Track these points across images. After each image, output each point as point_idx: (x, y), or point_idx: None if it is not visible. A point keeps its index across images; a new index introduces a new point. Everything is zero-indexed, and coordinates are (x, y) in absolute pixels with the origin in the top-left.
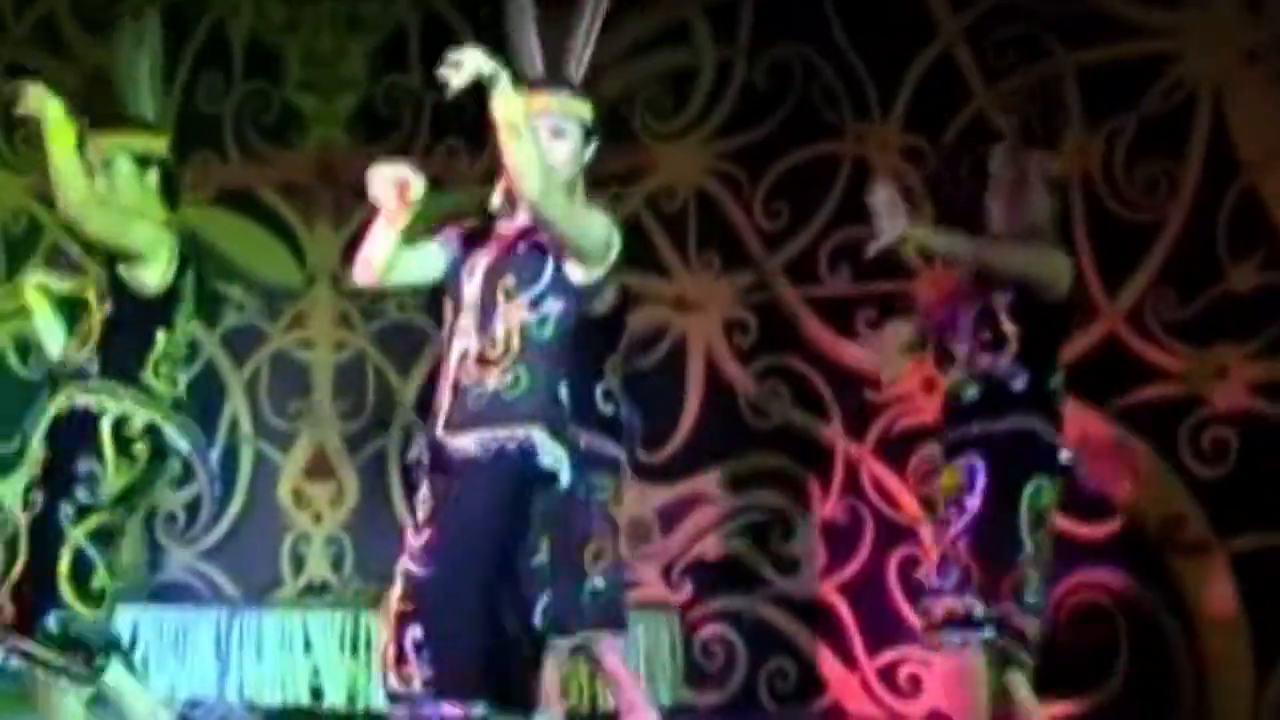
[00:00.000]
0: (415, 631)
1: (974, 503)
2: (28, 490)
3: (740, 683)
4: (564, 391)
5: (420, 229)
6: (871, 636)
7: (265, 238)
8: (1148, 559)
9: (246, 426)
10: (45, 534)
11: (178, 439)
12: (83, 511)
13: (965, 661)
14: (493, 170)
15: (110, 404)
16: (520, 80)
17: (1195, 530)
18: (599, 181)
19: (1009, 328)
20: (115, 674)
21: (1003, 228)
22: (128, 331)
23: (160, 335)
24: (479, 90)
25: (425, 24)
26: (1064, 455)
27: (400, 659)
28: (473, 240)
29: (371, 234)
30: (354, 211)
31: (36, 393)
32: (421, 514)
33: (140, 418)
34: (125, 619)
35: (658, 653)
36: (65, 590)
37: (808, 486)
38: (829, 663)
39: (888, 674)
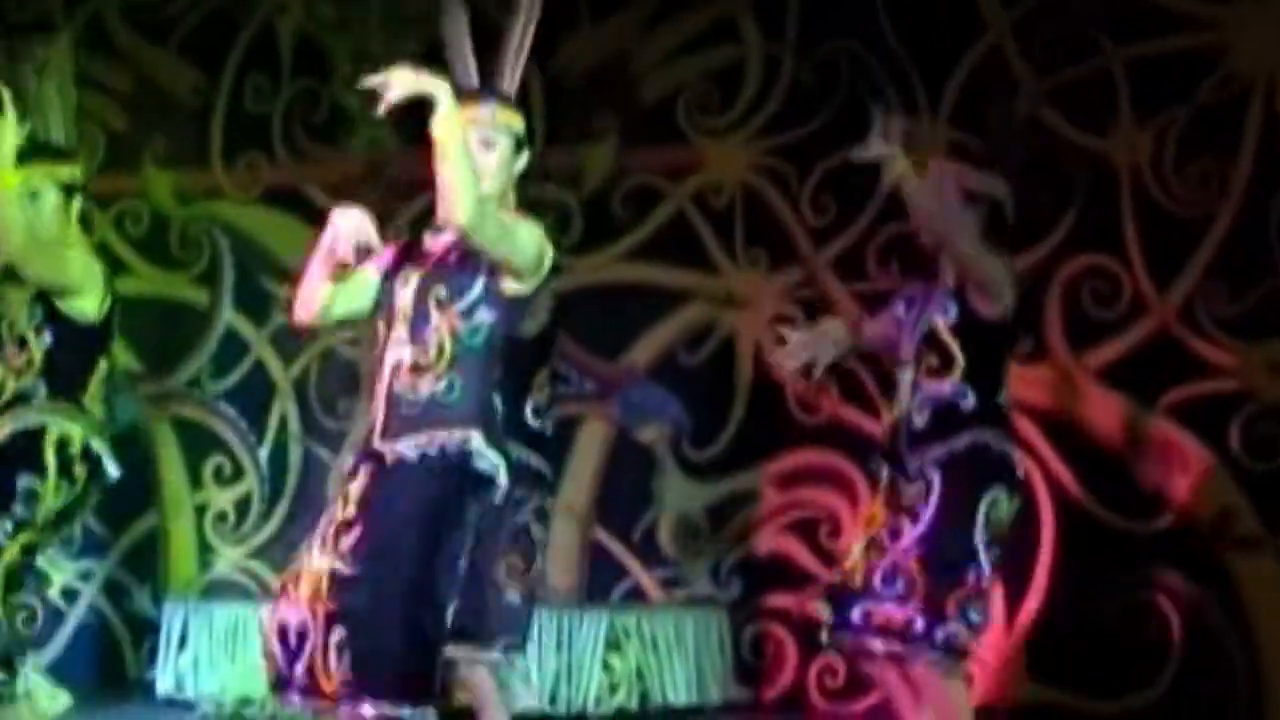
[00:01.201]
0: (339, 632)
1: (929, 514)
2: None
3: (790, 680)
4: (498, 401)
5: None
6: None
7: (313, 237)
8: (1200, 555)
9: (295, 425)
10: None
11: (110, 464)
12: (19, 527)
13: (938, 680)
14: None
15: (53, 422)
16: (455, 91)
17: (1247, 525)
18: (647, 179)
19: (955, 349)
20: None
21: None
22: (70, 358)
23: (101, 362)
24: (524, 90)
25: (473, 23)
26: (1019, 469)
27: (325, 658)
28: (406, 254)
29: (309, 274)
30: (401, 211)
31: None
32: (350, 511)
33: (80, 438)
34: (176, 617)
35: (707, 650)
36: None
37: (856, 483)
38: None
39: None
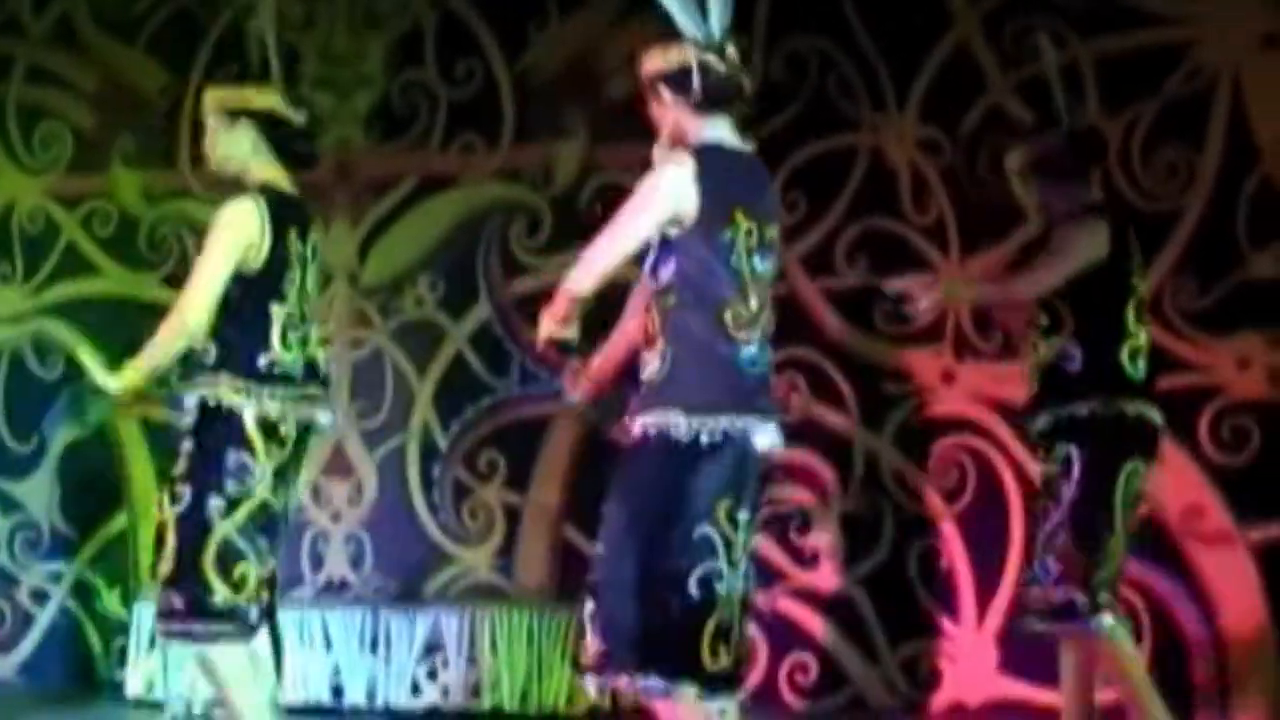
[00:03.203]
0: (589, 606)
1: (1070, 492)
2: (173, 483)
3: (761, 677)
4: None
5: None
6: (892, 630)
7: None
8: (1169, 548)
9: None
10: (193, 527)
11: (317, 412)
12: (233, 504)
13: (1109, 648)
14: (507, 166)
15: (246, 402)
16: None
17: (1216, 519)
18: (617, 176)
19: (1063, 309)
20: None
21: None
22: (241, 313)
23: (274, 308)
24: (493, 87)
25: (442, 21)
26: (1158, 432)
27: (581, 633)
28: None
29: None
30: (370, 209)
31: (54, 394)
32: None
33: (277, 408)
34: (146, 618)
35: None
36: (213, 578)
37: (826, 480)
38: (849, 656)
39: (909, 667)
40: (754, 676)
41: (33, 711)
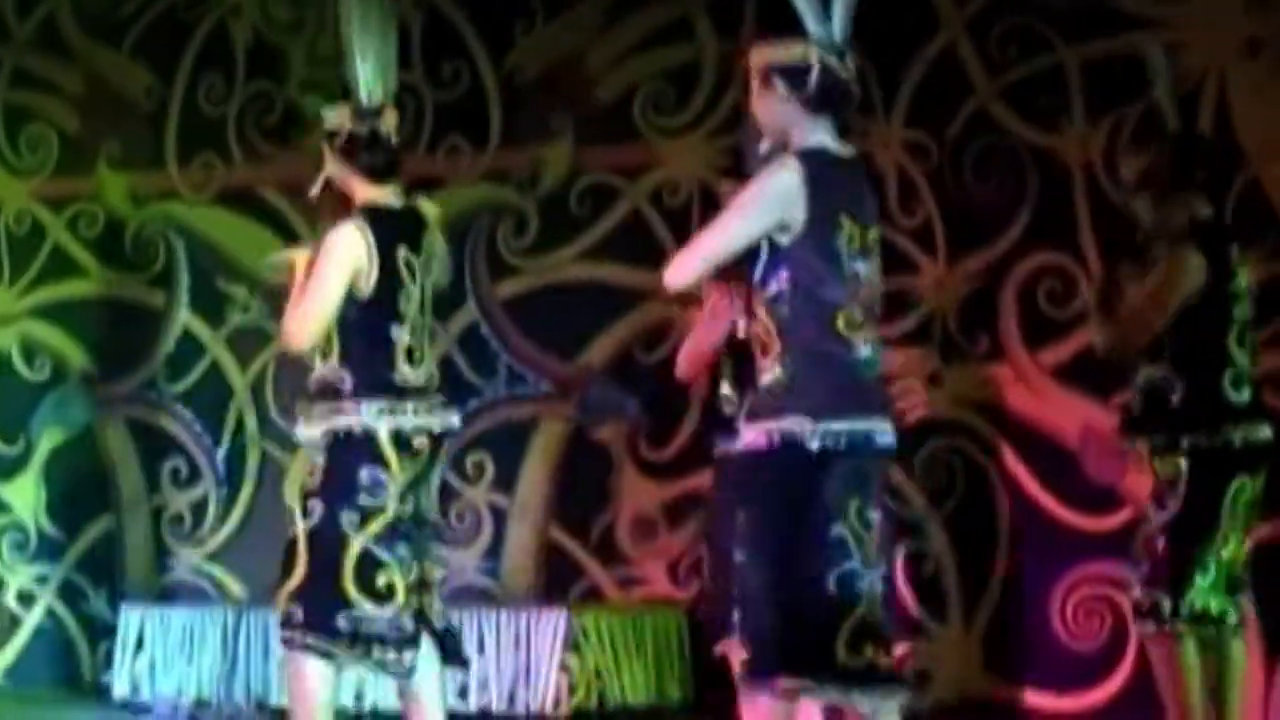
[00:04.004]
0: (736, 614)
1: (1174, 504)
2: (304, 497)
3: None
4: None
5: None
6: None
7: (269, 238)
8: None
9: (252, 427)
10: (327, 541)
11: (449, 421)
12: (366, 517)
13: (1163, 652)
14: (493, 168)
15: (379, 422)
16: None
17: None
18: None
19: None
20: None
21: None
22: (363, 337)
23: (394, 329)
24: (479, 90)
25: (428, 22)
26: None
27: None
28: None
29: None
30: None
31: (41, 395)
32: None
33: (411, 423)
34: (133, 620)
35: (665, 650)
36: (352, 592)
37: None
38: None
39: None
40: None
41: (19, 714)
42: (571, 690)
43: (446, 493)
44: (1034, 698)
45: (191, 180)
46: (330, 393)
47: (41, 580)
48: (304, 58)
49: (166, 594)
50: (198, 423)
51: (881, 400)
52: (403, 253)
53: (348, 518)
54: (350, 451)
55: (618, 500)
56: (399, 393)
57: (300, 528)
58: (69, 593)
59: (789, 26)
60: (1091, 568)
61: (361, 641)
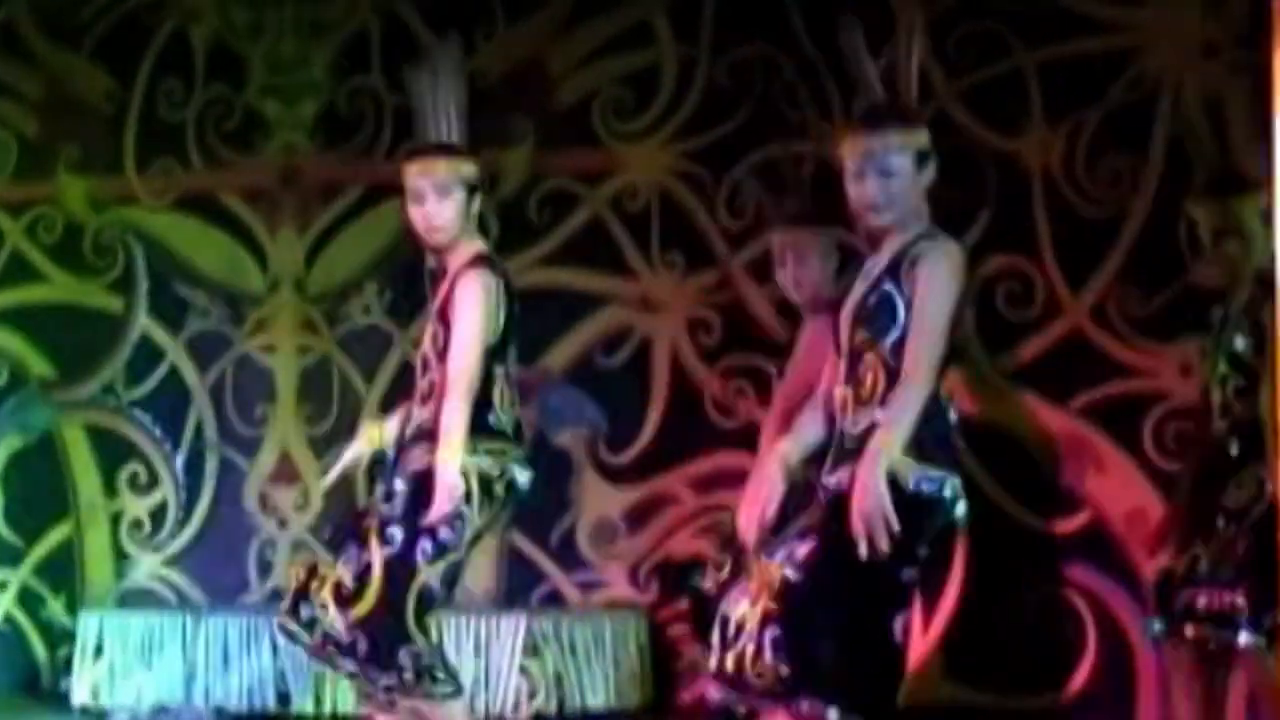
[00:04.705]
0: (774, 630)
1: (1259, 508)
2: (384, 523)
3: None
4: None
5: None
6: None
7: (228, 243)
8: (1113, 553)
9: (211, 432)
10: (400, 570)
11: (522, 471)
12: (440, 551)
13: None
14: None
15: (471, 458)
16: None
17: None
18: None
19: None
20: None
21: None
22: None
23: (497, 369)
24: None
25: (387, 27)
26: None
27: (757, 654)
28: None
29: None
30: (317, 216)
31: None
32: (803, 522)
33: (495, 465)
34: (92, 626)
35: (625, 654)
36: (412, 627)
37: None
38: None
39: None
40: (701, 682)
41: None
42: (531, 694)
43: None
44: (993, 699)
45: (151, 185)
46: (428, 437)
47: None
48: (264, 63)
49: (125, 600)
50: (157, 428)
51: (959, 464)
52: (514, 301)
53: (422, 548)
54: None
55: (578, 505)
56: (487, 433)
57: (377, 555)
58: (27, 599)
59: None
60: (1051, 570)
61: (422, 675)
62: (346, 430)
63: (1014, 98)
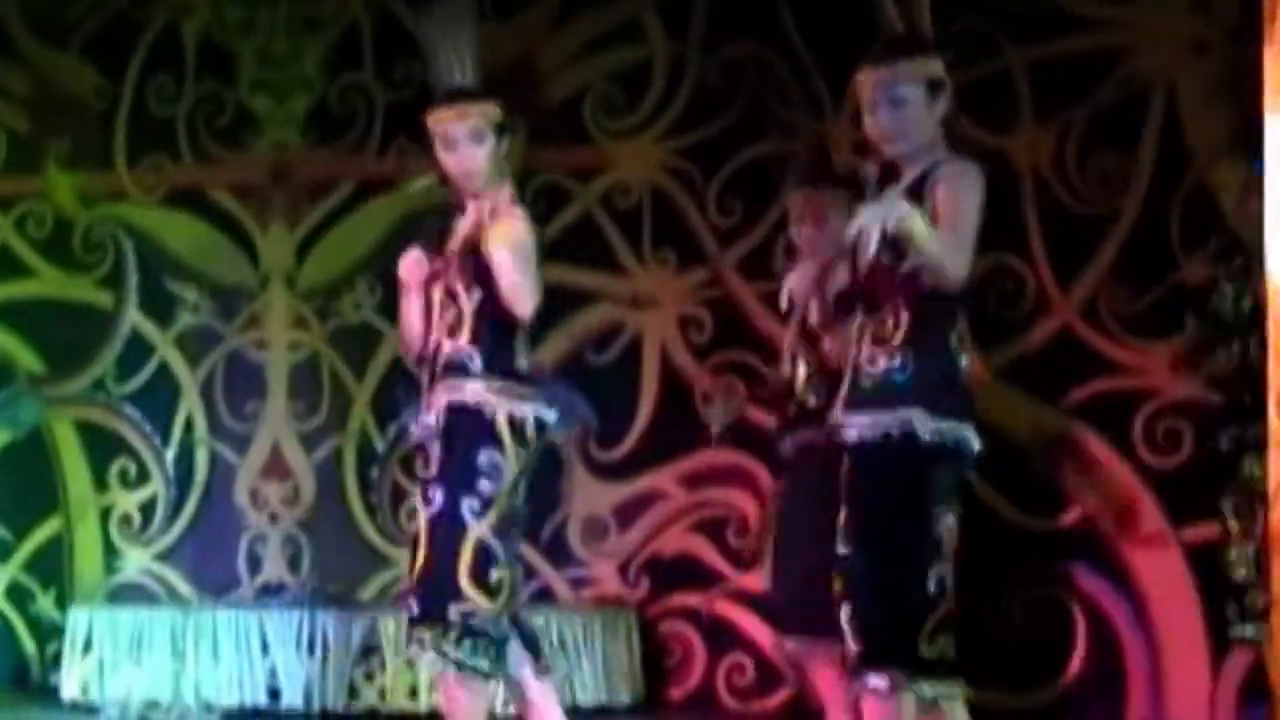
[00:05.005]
0: (846, 610)
1: None
2: (424, 486)
3: (698, 679)
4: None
5: None
6: None
7: (219, 239)
8: (1103, 550)
9: (201, 427)
10: (448, 529)
11: (550, 413)
12: (486, 504)
13: None
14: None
15: (501, 403)
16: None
17: (1150, 521)
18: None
19: None
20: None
21: None
22: (498, 317)
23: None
24: (427, 90)
25: (379, 23)
26: None
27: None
28: None
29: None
30: (308, 212)
31: None
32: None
33: (522, 408)
34: (81, 621)
35: (615, 650)
36: (466, 584)
37: (762, 482)
38: None
39: None
40: (691, 678)
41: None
42: None
43: (398, 494)
44: (982, 696)
45: (141, 181)
46: (457, 370)
47: None
48: (255, 58)
49: (115, 595)
50: (146, 423)
51: (974, 408)
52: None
53: (469, 505)
54: (467, 433)
55: (568, 501)
56: (514, 377)
57: (422, 515)
58: (17, 594)
59: (746, 31)
60: (1039, 567)
61: (469, 635)
62: (337, 425)
63: (1004, 96)
